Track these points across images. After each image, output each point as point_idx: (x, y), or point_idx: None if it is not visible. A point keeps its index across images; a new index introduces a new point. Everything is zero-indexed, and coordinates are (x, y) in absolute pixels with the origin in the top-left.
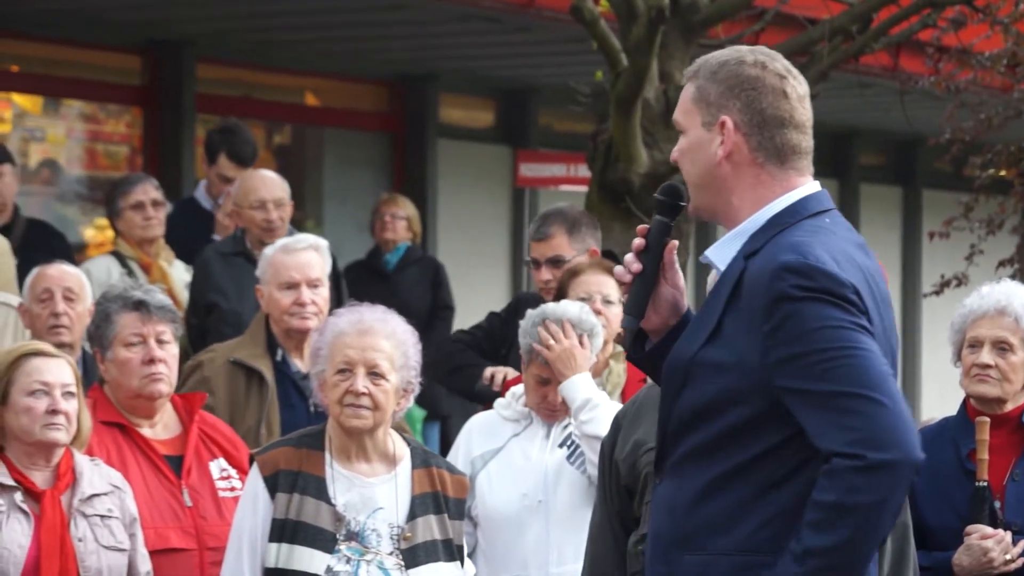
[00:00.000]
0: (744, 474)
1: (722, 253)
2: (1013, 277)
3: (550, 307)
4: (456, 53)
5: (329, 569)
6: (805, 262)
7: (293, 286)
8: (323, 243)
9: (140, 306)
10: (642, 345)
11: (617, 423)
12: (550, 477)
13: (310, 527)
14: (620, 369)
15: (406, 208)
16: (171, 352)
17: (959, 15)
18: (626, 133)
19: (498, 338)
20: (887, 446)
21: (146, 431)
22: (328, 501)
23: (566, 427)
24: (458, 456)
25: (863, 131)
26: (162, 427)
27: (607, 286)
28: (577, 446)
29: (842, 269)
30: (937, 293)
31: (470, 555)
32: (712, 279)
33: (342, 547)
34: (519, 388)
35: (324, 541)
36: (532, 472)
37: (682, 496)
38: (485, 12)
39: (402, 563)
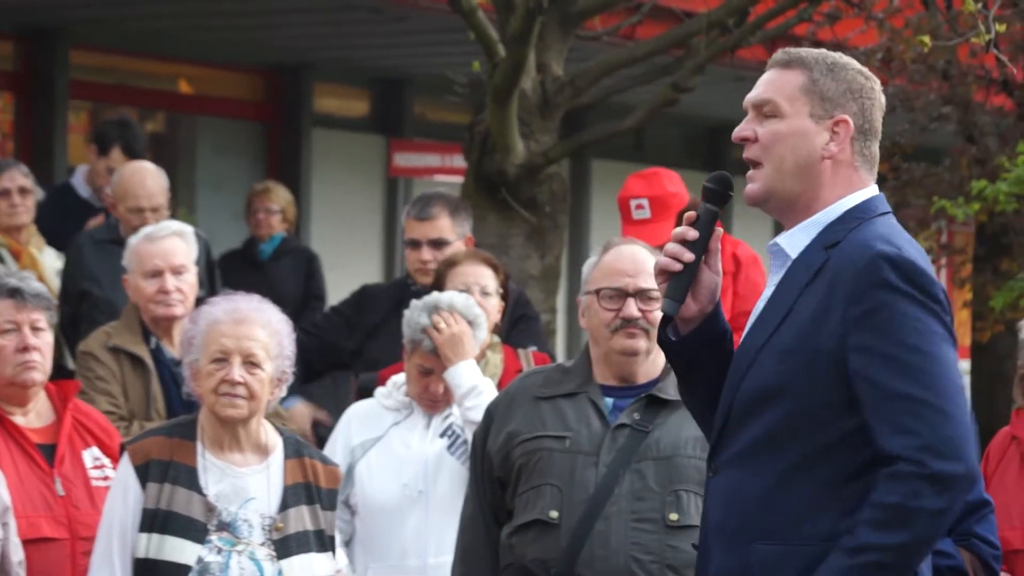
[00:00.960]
0: (820, 462)
1: (794, 242)
2: None
3: (434, 296)
4: (332, 42)
5: (200, 560)
6: (902, 255)
7: (157, 274)
8: (188, 229)
9: (15, 293)
10: (664, 330)
11: (490, 414)
12: (431, 467)
13: (181, 517)
14: (497, 359)
15: (279, 199)
16: (46, 340)
17: (834, 10)
18: (503, 124)
19: (342, 337)
20: (950, 457)
21: (19, 419)
22: (199, 491)
23: (447, 417)
24: (337, 445)
25: (736, 124)
26: (35, 415)
27: (485, 277)
28: (458, 436)
29: (929, 269)
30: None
31: (347, 544)
32: None
33: (213, 537)
34: (400, 377)
35: (195, 531)
36: (413, 462)
37: (752, 486)
38: (363, 1)
39: (274, 554)
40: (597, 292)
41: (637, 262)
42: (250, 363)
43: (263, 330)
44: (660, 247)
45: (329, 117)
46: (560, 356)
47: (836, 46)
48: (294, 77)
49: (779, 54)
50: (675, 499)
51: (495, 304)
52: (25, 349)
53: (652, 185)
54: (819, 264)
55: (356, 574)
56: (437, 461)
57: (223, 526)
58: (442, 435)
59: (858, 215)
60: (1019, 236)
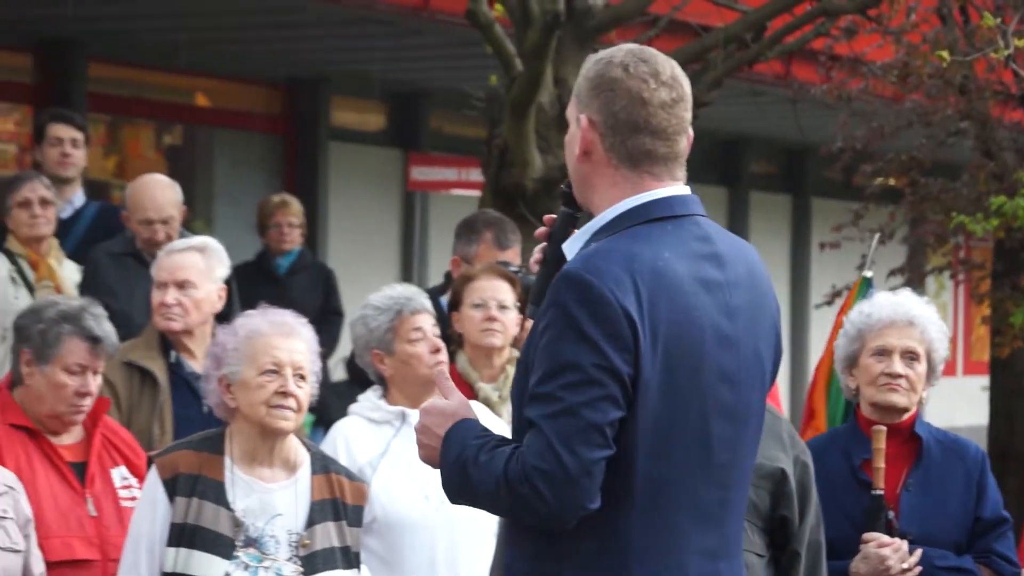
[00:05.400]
0: None
1: (572, 248)
2: (904, 287)
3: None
4: (348, 56)
5: (227, 575)
6: (577, 272)
7: (161, 287)
8: (212, 244)
9: (95, 340)
10: None
11: None
12: None
13: (208, 532)
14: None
15: (299, 213)
16: (98, 383)
17: (851, 24)
18: (520, 138)
19: None
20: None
21: (52, 436)
22: (227, 506)
23: None
24: None
25: (754, 139)
26: (67, 433)
27: (502, 291)
28: None
29: (623, 291)
30: (828, 303)
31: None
32: None
33: (240, 553)
34: (372, 392)
35: (222, 547)
36: (427, 473)
37: None
38: (378, 15)
39: (301, 570)
40: None
41: None
42: (299, 376)
43: (305, 344)
44: None
45: (346, 131)
46: None
47: (853, 61)
48: (311, 90)
49: None
50: None
51: (513, 318)
52: (84, 394)
53: None
54: None
55: None
56: None
57: (250, 542)
58: None
59: (622, 223)
60: None
